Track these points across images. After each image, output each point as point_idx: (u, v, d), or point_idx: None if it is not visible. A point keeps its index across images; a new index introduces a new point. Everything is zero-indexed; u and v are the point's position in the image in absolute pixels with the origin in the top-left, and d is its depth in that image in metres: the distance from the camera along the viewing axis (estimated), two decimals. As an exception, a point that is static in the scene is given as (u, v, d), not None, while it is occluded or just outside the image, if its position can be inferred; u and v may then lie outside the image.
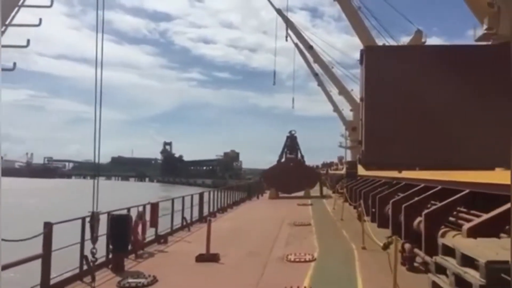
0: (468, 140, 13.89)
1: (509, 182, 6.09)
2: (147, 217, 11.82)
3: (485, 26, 18.10)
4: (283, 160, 32.09)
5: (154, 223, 12.15)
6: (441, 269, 3.87)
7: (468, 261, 3.45)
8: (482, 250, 3.34)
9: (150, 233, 12.07)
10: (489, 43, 17.85)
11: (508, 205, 5.32)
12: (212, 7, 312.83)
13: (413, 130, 14.41)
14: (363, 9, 38.69)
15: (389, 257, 6.30)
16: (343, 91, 54.04)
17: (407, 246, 7.49)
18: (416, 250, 7.49)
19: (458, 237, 3.75)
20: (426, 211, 7.74)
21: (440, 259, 3.90)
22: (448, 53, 15.50)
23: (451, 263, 3.67)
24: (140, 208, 11.44)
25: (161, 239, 12.23)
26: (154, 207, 12.19)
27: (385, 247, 6.15)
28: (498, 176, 6.33)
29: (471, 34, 18.49)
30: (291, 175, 29.85)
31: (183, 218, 14.77)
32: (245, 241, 11.86)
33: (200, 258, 9.52)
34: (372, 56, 15.63)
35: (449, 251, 3.80)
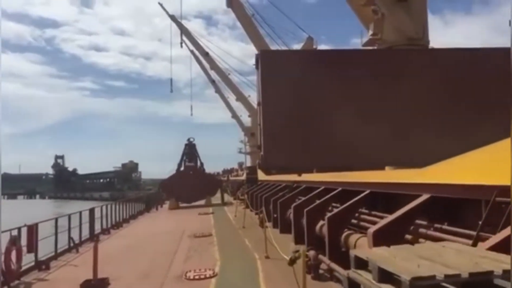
0: (361, 141, 14.15)
1: (405, 181, 5.92)
2: (24, 241, 10.27)
3: (370, 32, 18.75)
4: (182, 168, 30.97)
5: (32, 247, 10.56)
6: (355, 285, 3.35)
7: (386, 276, 2.95)
8: (401, 264, 2.86)
9: (28, 259, 10.50)
10: (375, 47, 18.52)
11: (410, 205, 5.04)
12: (103, 14, 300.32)
13: (310, 132, 14.34)
14: (256, 16, 39.07)
15: (294, 269, 5.81)
16: (241, 98, 54.29)
17: (311, 253, 7.07)
18: (321, 257, 7.10)
19: (375, 249, 3.25)
20: (328, 214, 7.41)
21: (353, 273, 3.38)
22: (341, 57, 15.77)
23: (366, 278, 3.16)
24: (14, 232, 9.89)
25: (42, 265, 10.67)
26: (32, 229, 10.60)
27: (292, 262, 5.63)
28: (396, 175, 6.12)
29: (355, 41, 19.16)
30: (190, 183, 28.86)
31: (70, 238, 13.19)
32: (140, 260, 10.74)
33: (86, 285, 8.29)
34: (268, 60, 15.36)
35: (363, 263, 3.30)
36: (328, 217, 6.88)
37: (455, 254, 2.79)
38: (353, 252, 3.36)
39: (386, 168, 16.79)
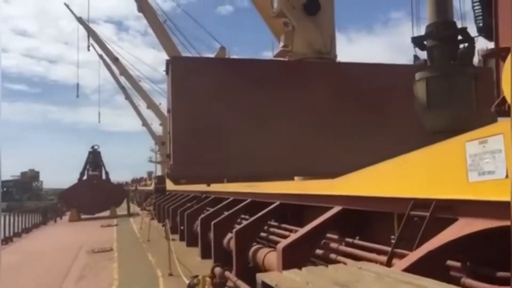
0: (271, 151, 13.95)
1: (315, 192, 5.62)
2: None
3: (281, 44, 18.81)
4: (85, 178, 28.91)
5: None
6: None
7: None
8: (315, 292, 2.41)
9: None
10: (286, 59, 18.58)
11: (321, 218, 4.71)
12: (3, 12, 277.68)
13: (221, 142, 13.85)
14: (168, 23, 38.01)
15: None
16: (152, 105, 52.55)
17: (217, 270, 6.51)
18: (227, 274, 6.57)
19: (286, 273, 2.78)
20: (236, 227, 6.93)
21: (259, 301, 2.88)
22: (253, 67, 15.52)
23: (274, 308, 2.68)
24: None
25: None
26: None
27: (191, 288, 5.04)
28: (307, 186, 5.80)
29: (267, 54, 19.16)
30: (94, 194, 26.96)
31: None
32: (26, 281, 9.44)
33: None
34: (179, 66, 14.63)
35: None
36: (236, 230, 6.38)
37: (375, 279, 2.41)
38: (260, 277, 2.87)
39: (295, 178, 16.81)
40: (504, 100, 2.67)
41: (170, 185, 19.12)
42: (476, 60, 11.97)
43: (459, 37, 10.90)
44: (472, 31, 11.92)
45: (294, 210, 5.91)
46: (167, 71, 15.35)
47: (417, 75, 10.92)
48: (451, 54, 10.60)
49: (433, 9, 11.42)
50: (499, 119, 2.81)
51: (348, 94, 14.13)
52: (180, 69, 14.73)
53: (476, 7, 21.42)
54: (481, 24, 20.96)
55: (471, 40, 10.86)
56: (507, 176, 2.52)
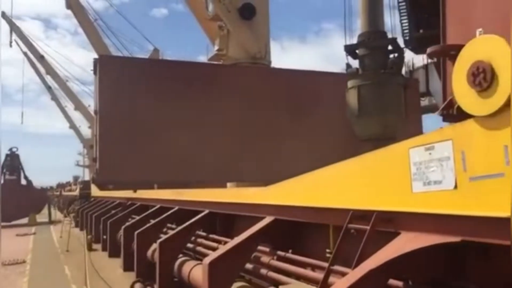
0: (202, 156, 13.42)
1: (246, 201, 5.17)
2: None
3: (216, 47, 18.43)
4: (1, 182, 26.66)
5: None
6: None
7: None
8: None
9: None
10: (221, 63, 18.21)
11: (252, 230, 4.31)
12: None
13: (150, 146, 13.11)
14: (100, 22, 36.27)
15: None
16: (80, 107, 49.96)
17: (137, 286, 5.91)
18: (149, 290, 5.99)
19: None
20: (161, 238, 6.36)
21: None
22: (185, 69, 14.92)
23: None
24: None
25: None
26: None
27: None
28: (237, 194, 5.37)
29: (201, 58, 18.63)
30: (10, 199, 24.85)
31: None
32: None
33: None
34: (107, 65, 13.70)
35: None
36: (160, 241, 5.81)
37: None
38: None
39: (228, 185, 16.38)
40: (451, 102, 2.40)
41: (95, 191, 17.98)
42: (403, 71, 12.30)
43: (390, 47, 11.09)
44: (400, 43, 12.27)
45: (224, 220, 5.47)
46: (94, 70, 14.37)
47: (349, 83, 10.96)
48: (382, 63, 10.73)
49: (365, 19, 11.55)
50: (445, 124, 2.55)
51: (282, 100, 13.98)
52: (108, 68, 13.83)
53: (403, 21, 22.34)
54: (407, 38, 21.87)
55: (400, 50, 11.09)
56: (455, 187, 2.25)
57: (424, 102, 26.24)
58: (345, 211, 3.03)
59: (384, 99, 10.49)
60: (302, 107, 14.29)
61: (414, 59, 24.64)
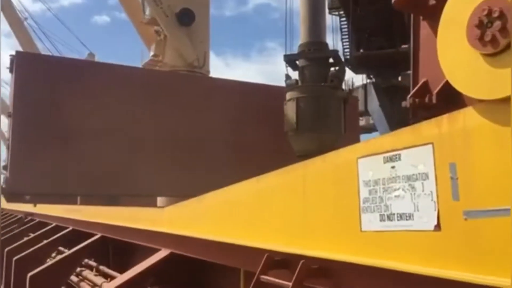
0: (131, 168, 12.01)
1: (141, 227, 3.84)
2: None
3: (152, 53, 17.18)
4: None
5: None
6: None
7: None
8: None
9: None
10: (157, 68, 16.94)
11: (146, 263, 3.13)
12: None
13: (71, 154, 11.53)
14: (31, 22, 33.63)
15: None
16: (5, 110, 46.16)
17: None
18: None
19: None
20: (47, 263, 4.98)
21: None
22: (115, 72, 13.48)
23: None
24: None
25: None
26: None
27: None
28: (132, 216, 4.13)
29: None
30: None
31: None
32: None
33: None
34: (25, 63, 11.99)
35: None
36: (31, 275, 4.43)
37: None
38: None
39: (158, 200, 14.91)
40: (427, 86, 1.40)
41: (2, 203, 15.84)
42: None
43: (331, 60, 10.39)
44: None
45: (118, 248, 4.23)
46: (11, 68, 12.63)
47: (288, 95, 10.10)
48: (322, 75, 9.98)
49: (306, 28, 10.80)
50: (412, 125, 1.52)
51: (218, 111, 12.94)
52: (26, 67, 12.14)
53: (344, 40, 22.10)
54: (348, 57, 21.66)
55: (341, 64, 10.43)
56: (438, 227, 1.25)
57: (362, 122, 26.24)
58: (259, 252, 1.96)
59: (323, 114, 9.71)
60: (239, 119, 13.34)
61: (353, 79, 24.62)
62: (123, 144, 12.19)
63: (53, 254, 5.71)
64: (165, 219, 2.89)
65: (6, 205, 13.62)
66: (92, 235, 4.50)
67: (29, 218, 9.54)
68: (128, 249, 4.05)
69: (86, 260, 4.64)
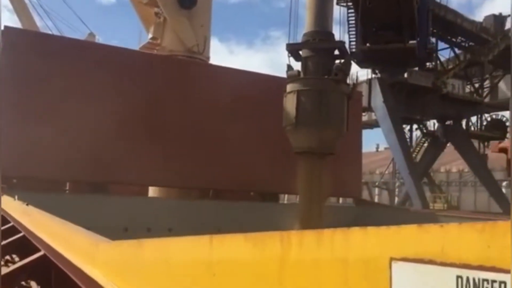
0: (120, 152, 11.26)
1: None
2: None
3: (150, 35, 16.31)
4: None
5: None
6: None
7: None
8: None
9: None
10: (154, 52, 16.08)
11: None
12: None
13: (61, 136, 10.75)
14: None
15: None
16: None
17: None
18: None
19: None
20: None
21: None
22: (111, 54, 12.63)
23: None
24: None
25: None
26: None
27: None
28: (70, 239, 3.34)
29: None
30: None
31: None
32: None
33: None
34: (12, 39, 11.09)
35: None
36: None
37: None
38: None
39: (150, 190, 14.14)
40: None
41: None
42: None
43: (336, 52, 9.55)
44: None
45: (60, 273, 3.40)
46: (-2, 44, 11.83)
47: (288, 87, 9.27)
48: (326, 68, 9.15)
49: (311, 16, 9.93)
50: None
51: (217, 100, 12.16)
52: (13, 43, 11.35)
53: (351, 33, 21.20)
54: (354, 50, 20.79)
55: (347, 56, 9.60)
56: None
57: (364, 117, 25.44)
58: None
59: (325, 109, 8.90)
60: (238, 109, 12.59)
61: (358, 73, 23.76)
62: (113, 129, 11.45)
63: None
64: (100, 257, 2.13)
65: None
66: (37, 250, 3.66)
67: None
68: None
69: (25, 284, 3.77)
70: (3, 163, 10.79)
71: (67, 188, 12.81)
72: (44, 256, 3.45)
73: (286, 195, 19.56)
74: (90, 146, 11.31)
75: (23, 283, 3.58)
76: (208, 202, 12.32)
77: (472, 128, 30.35)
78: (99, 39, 27.92)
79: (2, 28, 11.28)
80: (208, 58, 15.97)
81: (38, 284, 3.61)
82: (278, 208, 13.39)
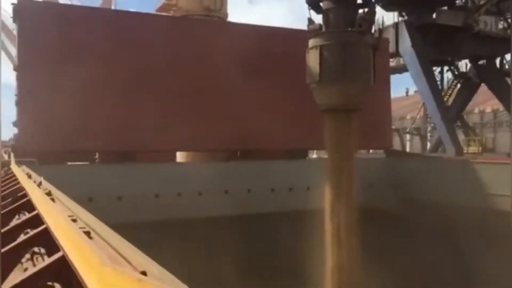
0: (143, 120, 11.28)
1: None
2: None
3: (165, -4, 15.94)
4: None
5: None
6: None
7: None
8: None
9: None
10: (170, 14, 15.82)
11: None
12: None
13: (81, 108, 10.83)
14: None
15: None
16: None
17: None
18: None
19: None
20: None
21: None
22: (128, 20, 12.35)
23: None
24: None
25: None
26: None
27: None
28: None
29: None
30: None
31: None
32: None
33: None
34: (30, 12, 10.97)
35: None
36: None
37: None
38: None
39: (177, 154, 14.22)
40: None
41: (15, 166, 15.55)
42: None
43: (359, 1, 9.05)
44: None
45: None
46: (14, 18, 11.80)
47: (311, 42, 8.92)
48: (349, 19, 8.70)
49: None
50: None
51: (238, 59, 11.89)
52: (31, 16, 11.30)
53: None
54: (379, -8, 19.68)
55: (371, 5, 9.06)
56: None
57: (392, 63, 24.54)
58: None
59: (351, 63, 8.56)
60: (260, 68, 12.31)
61: (384, 17, 22.71)
62: (137, 96, 11.43)
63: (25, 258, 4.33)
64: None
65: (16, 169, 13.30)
66: (56, 249, 3.51)
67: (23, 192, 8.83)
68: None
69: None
70: (26, 137, 10.97)
71: (97, 157, 13.07)
72: (63, 257, 3.31)
73: (315, 151, 19.42)
74: (116, 115, 11.38)
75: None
76: (236, 163, 12.37)
77: (507, 66, 28.96)
78: (116, 3, 27.49)
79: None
80: (226, 15, 15.56)
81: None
82: (306, 164, 13.34)
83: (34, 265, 3.13)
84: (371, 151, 19.83)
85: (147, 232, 8.46)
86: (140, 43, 11.74)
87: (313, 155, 20.01)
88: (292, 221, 10.40)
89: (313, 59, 8.77)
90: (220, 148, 12.64)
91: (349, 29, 8.61)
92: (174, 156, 13.99)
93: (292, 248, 9.84)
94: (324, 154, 12.81)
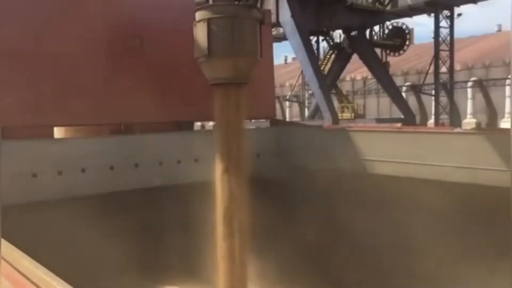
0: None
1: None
2: None
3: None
4: None
5: None
6: None
7: None
8: None
9: None
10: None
11: None
12: None
13: (44, 76, 9.50)
14: None
15: None
16: None
17: None
18: None
19: None
20: None
21: None
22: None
23: None
24: None
25: None
26: None
27: None
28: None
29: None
30: None
31: None
32: None
33: None
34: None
35: None
36: None
37: None
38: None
39: (55, 130, 13.25)
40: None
41: None
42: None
43: (244, -28, 9.18)
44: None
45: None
46: None
47: (197, 15, 8.86)
48: (236, -8, 8.81)
49: None
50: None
51: (113, 26, 11.23)
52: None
53: None
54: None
55: (257, -23, 9.28)
56: None
57: (273, 32, 25.42)
58: None
59: (239, 36, 8.74)
60: (143, 38, 11.83)
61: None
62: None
63: None
64: None
65: None
66: None
67: None
68: None
69: None
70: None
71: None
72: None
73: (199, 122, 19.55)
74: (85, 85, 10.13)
75: None
76: (120, 137, 11.96)
77: (375, 38, 31.98)
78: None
79: None
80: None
81: None
82: (193, 136, 13.42)
83: None
84: (253, 121, 20.62)
85: (21, 215, 7.92)
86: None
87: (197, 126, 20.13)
88: (182, 194, 10.52)
89: (200, 33, 8.74)
90: (104, 122, 12.04)
91: (236, 2, 8.74)
92: (51, 132, 13.00)
93: (182, 221, 10.01)
94: (210, 126, 13.00)
